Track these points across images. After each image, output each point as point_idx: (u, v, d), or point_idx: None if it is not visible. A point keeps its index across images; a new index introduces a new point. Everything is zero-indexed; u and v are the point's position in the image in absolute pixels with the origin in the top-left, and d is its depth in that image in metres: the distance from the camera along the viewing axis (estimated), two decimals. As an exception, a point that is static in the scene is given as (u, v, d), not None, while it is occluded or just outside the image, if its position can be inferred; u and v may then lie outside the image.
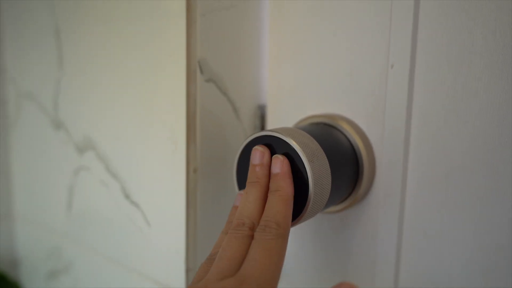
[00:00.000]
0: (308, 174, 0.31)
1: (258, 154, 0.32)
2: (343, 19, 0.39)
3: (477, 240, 0.35)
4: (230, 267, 0.26)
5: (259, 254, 0.26)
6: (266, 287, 0.25)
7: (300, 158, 0.31)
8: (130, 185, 0.46)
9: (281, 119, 0.45)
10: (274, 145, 0.33)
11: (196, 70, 0.39)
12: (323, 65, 0.41)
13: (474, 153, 0.34)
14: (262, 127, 0.47)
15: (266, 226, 0.28)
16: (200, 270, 0.28)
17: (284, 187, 0.30)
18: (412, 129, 0.37)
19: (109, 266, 0.51)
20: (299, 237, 0.45)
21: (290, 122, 0.44)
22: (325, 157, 0.33)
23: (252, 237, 0.28)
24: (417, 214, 0.37)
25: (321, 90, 0.41)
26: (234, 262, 0.27)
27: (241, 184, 0.35)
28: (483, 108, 0.33)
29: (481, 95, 0.33)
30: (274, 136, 0.33)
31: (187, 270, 0.42)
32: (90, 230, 0.53)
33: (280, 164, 0.31)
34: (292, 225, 0.32)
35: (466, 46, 0.33)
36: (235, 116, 0.44)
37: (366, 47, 0.38)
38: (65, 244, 0.58)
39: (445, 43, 0.34)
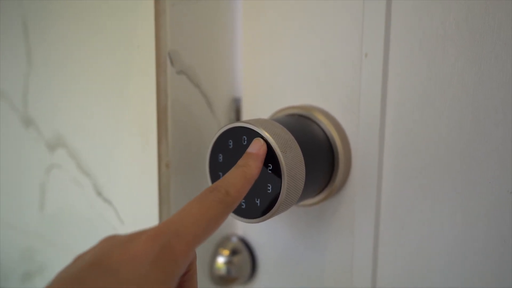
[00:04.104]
0: (280, 165, 0.30)
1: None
2: (316, 9, 0.39)
3: (454, 232, 0.34)
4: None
5: (193, 207, 0.25)
6: (185, 237, 0.23)
7: (273, 149, 0.31)
8: (102, 182, 0.45)
9: (257, 112, 0.44)
10: (247, 136, 0.32)
11: (166, 62, 0.37)
12: (298, 55, 0.40)
13: (450, 144, 0.34)
14: (238, 120, 0.46)
15: (214, 189, 0.26)
16: None
17: (251, 166, 0.29)
18: (387, 119, 0.36)
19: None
20: (276, 230, 0.44)
21: (266, 115, 0.43)
22: (299, 148, 0.32)
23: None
24: (394, 206, 0.37)
25: (296, 81, 0.41)
26: None
27: (214, 178, 0.35)
28: (457, 97, 0.33)
29: (455, 84, 0.33)
30: (246, 128, 0.32)
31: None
32: (64, 229, 0.52)
33: (258, 146, 0.31)
34: (267, 217, 0.32)
35: (439, 34, 0.33)
36: (209, 109, 0.43)
37: (340, 36, 0.38)
38: (38, 245, 0.56)
39: (418, 30, 0.34)
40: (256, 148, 0.31)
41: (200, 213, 0.24)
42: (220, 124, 0.44)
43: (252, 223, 0.33)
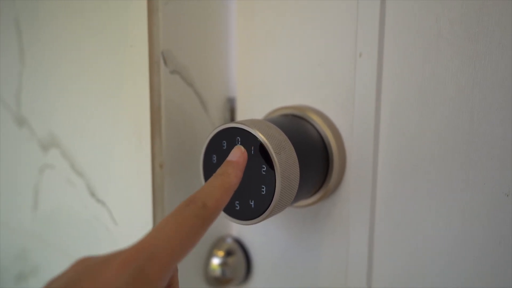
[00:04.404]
0: (274, 166, 0.30)
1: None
2: (311, 9, 0.38)
3: (450, 232, 0.34)
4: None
5: (168, 224, 0.23)
6: (159, 259, 0.22)
7: (266, 150, 0.30)
8: (96, 183, 0.44)
9: (252, 112, 0.43)
10: (241, 137, 0.32)
11: (160, 61, 0.37)
12: (292, 55, 0.40)
13: (445, 144, 0.34)
14: (232, 120, 0.45)
15: (191, 202, 0.25)
16: None
17: (231, 174, 0.28)
18: (382, 119, 0.36)
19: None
20: (271, 231, 0.44)
21: (260, 115, 0.43)
22: (293, 149, 0.32)
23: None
24: (389, 206, 0.37)
25: (291, 81, 0.40)
26: None
27: (208, 177, 0.34)
28: (452, 96, 0.33)
29: (449, 83, 0.33)
30: (240, 128, 0.32)
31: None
32: (58, 230, 0.51)
33: (238, 154, 0.30)
34: (261, 219, 0.32)
35: (433, 33, 0.33)
36: (203, 109, 0.42)
37: (334, 36, 0.37)
38: (32, 245, 0.56)
39: (412, 30, 0.34)
40: (237, 156, 0.30)
41: (174, 231, 0.23)
42: (214, 124, 0.44)
43: (247, 224, 0.32)
